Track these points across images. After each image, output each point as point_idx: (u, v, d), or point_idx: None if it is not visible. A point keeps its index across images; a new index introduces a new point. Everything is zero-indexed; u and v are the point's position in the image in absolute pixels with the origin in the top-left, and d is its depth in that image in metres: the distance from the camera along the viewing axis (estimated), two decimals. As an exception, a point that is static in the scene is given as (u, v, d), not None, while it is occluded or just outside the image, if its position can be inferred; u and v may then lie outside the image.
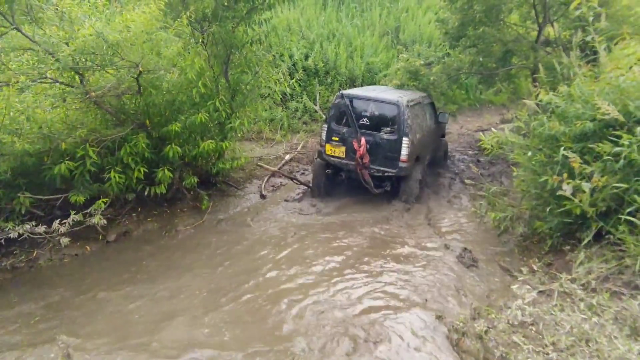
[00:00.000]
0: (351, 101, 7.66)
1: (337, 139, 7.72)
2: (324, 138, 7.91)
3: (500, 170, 9.37)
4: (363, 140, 7.32)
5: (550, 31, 9.50)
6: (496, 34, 9.26)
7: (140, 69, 5.71)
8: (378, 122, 7.56)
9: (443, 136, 10.09)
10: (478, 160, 10.34)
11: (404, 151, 7.30)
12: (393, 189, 7.80)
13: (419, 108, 8.05)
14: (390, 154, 7.42)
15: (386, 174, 7.54)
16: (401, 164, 7.37)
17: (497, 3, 8.67)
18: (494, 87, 12.03)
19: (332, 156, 7.82)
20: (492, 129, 6.04)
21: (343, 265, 5.49)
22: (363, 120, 7.57)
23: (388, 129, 7.47)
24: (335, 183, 8.23)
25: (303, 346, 3.86)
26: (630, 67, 4.72)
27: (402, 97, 7.60)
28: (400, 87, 10.33)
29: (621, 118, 4.26)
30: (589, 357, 2.96)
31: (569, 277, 4.21)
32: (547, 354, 3.11)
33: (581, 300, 3.68)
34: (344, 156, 7.70)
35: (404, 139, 7.29)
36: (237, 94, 7.62)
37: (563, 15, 8.82)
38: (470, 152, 11.20)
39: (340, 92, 7.92)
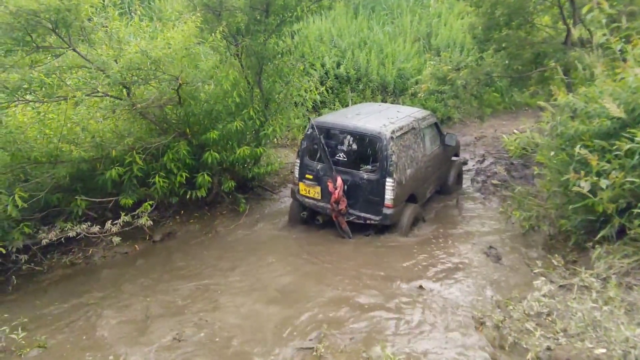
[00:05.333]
0: (327, 131, 6.41)
1: (311, 176, 6.46)
2: (296, 175, 6.66)
3: (533, 173, 9.33)
4: (339, 180, 6.09)
5: (583, 31, 9.40)
6: (522, 36, 9.24)
7: (180, 81, 6.18)
8: (357, 158, 6.24)
9: (457, 155, 8.79)
10: (511, 163, 10.29)
11: (389, 195, 5.96)
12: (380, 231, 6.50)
13: (411, 136, 6.54)
14: (372, 197, 6.09)
15: (368, 221, 6.21)
16: (386, 210, 6.04)
17: (520, 6, 8.61)
18: (528, 89, 11.92)
19: (307, 197, 6.59)
20: (515, 130, 6.12)
21: (374, 267, 5.78)
22: (339, 155, 6.26)
23: (369, 166, 6.15)
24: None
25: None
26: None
27: (387, 125, 6.18)
28: (429, 93, 10.46)
29: (623, 116, 4.32)
30: (596, 342, 3.11)
31: (590, 272, 4.31)
32: (557, 339, 3.26)
33: (597, 292, 3.79)
34: (319, 197, 6.44)
35: (387, 179, 5.93)
36: (270, 102, 8.00)
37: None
38: (505, 155, 11.15)
39: (312, 121, 6.53)
